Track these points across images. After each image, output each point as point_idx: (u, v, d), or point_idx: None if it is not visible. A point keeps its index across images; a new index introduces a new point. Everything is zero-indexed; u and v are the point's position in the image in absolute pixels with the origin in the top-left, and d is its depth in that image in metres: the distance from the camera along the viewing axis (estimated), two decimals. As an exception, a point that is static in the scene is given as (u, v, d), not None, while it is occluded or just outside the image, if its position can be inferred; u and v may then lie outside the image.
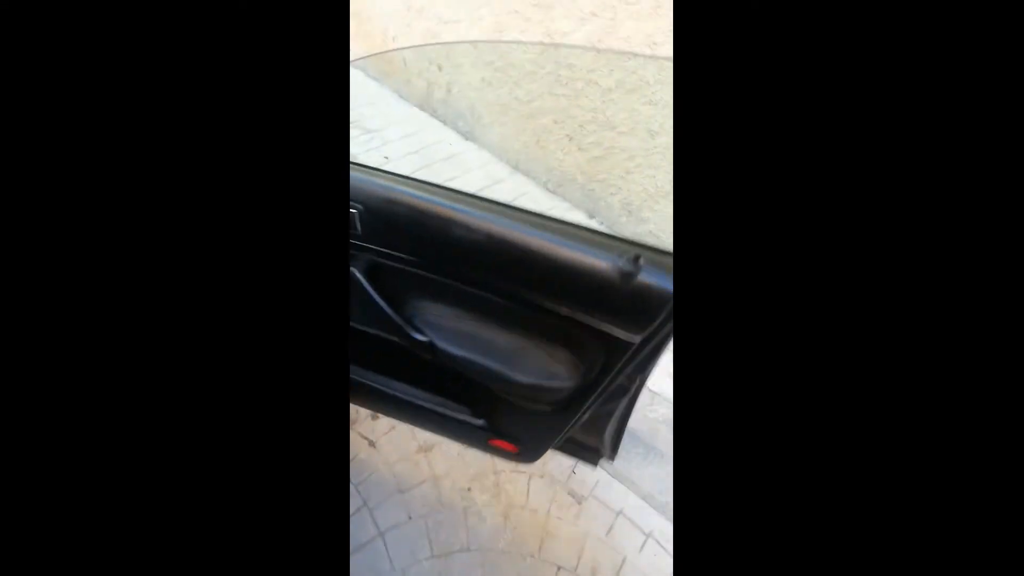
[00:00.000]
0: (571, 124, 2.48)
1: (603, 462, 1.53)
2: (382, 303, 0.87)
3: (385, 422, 1.59)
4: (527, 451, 1.11)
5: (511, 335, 0.91)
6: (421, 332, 0.90)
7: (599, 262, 0.74)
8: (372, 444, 1.54)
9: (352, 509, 1.38)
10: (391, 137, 2.81)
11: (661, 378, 1.73)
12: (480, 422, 1.08)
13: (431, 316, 0.92)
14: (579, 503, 1.48)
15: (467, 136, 2.92)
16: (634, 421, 1.63)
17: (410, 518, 1.40)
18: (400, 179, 0.81)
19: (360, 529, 1.36)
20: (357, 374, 1.09)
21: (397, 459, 1.51)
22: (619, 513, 1.47)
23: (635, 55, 2.09)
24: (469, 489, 1.47)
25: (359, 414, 1.60)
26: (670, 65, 2.07)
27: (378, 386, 1.10)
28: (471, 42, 2.71)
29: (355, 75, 3.17)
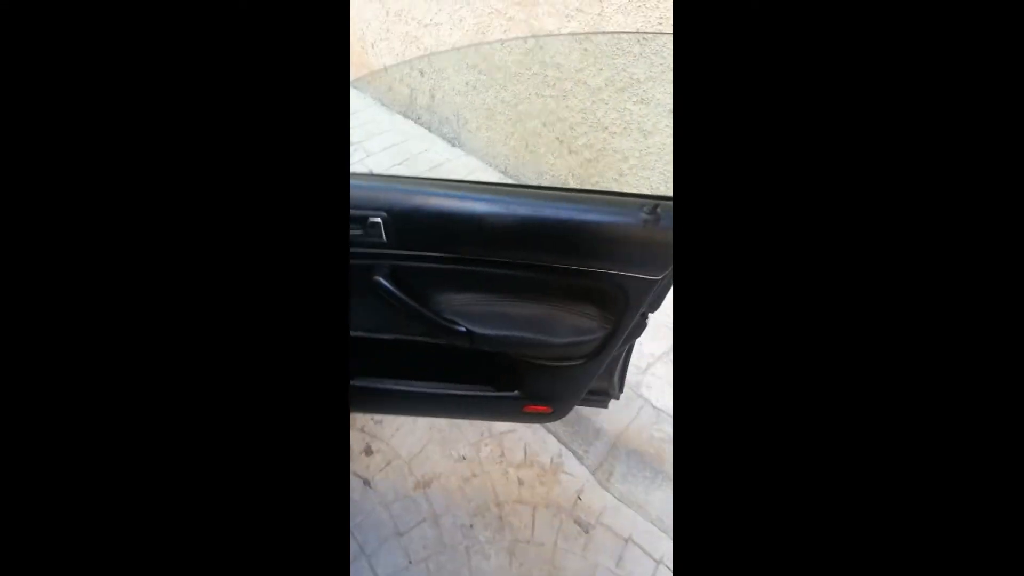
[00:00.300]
0: (561, 126, 2.40)
1: (609, 487, 1.48)
2: (414, 304, 0.89)
3: (380, 458, 1.52)
4: (560, 408, 1.16)
5: (541, 304, 0.94)
6: (456, 323, 0.93)
7: (621, 219, 0.79)
8: (367, 483, 1.47)
9: (350, 557, 1.31)
10: (373, 149, 2.72)
11: (666, 394, 1.66)
12: (513, 393, 1.11)
13: (462, 306, 0.94)
14: (586, 532, 1.41)
15: (454, 142, 2.84)
16: (639, 442, 1.57)
17: (410, 562, 1.33)
18: (420, 181, 0.85)
19: (358, 577, 1.29)
20: (384, 383, 1.11)
21: (394, 498, 1.44)
22: (628, 540, 1.41)
23: (640, 33, 2.00)
24: (471, 526, 1.40)
25: (352, 450, 1.53)
26: (660, 60, 1.99)
27: (406, 388, 1.12)
28: (457, 48, 2.62)
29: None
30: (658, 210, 0.78)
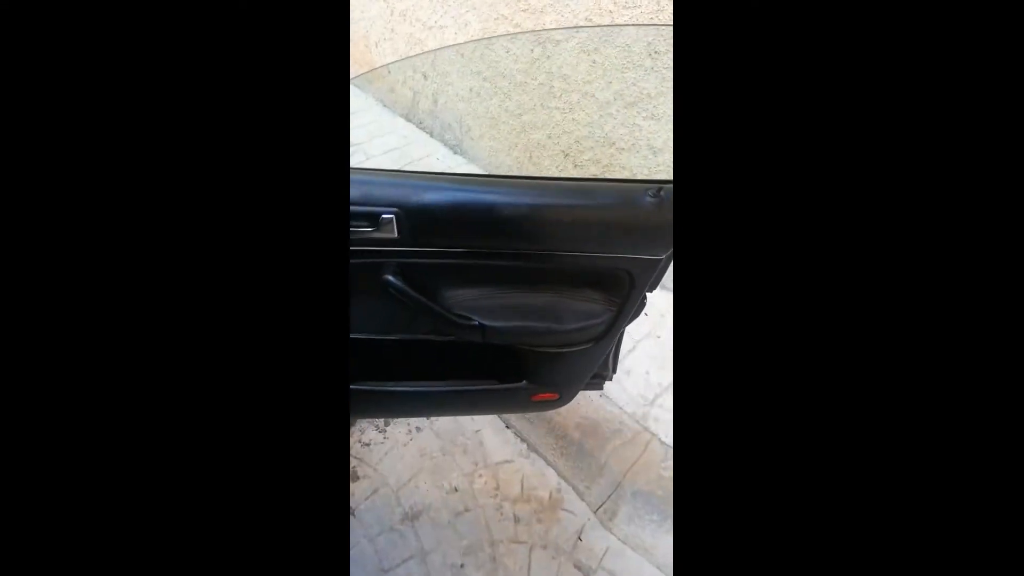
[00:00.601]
0: (566, 139, 2.32)
1: (613, 527, 1.38)
2: (426, 300, 0.88)
3: (366, 484, 1.41)
4: (567, 393, 1.16)
5: (549, 292, 0.95)
6: (469, 318, 0.92)
7: (627, 203, 0.81)
8: (351, 512, 1.36)
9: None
10: (373, 152, 2.62)
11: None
12: (521, 383, 1.11)
13: (472, 300, 0.94)
14: (586, 576, 1.31)
15: (456, 150, 2.74)
16: (647, 483, 1.47)
17: (394, 605, 1.22)
18: (430, 175, 0.85)
19: (336, 622, 1.17)
20: (390, 385, 1.10)
21: (379, 531, 1.33)
22: (631, 586, 1.31)
23: (642, 25, 1.93)
24: (462, 566, 1.29)
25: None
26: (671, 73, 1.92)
27: (412, 389, 1.11)
28: (457, 45, 2.54)
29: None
30: (662, 193, 0.80)
